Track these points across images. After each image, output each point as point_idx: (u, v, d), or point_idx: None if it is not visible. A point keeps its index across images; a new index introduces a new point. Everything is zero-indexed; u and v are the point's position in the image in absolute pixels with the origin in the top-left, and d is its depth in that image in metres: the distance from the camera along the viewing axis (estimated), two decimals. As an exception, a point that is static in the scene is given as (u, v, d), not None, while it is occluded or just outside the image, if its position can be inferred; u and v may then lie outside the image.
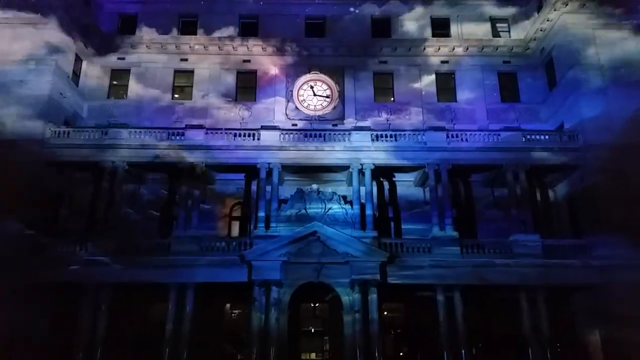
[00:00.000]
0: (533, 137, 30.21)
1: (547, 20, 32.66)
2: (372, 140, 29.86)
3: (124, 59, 35.37)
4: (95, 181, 30.56)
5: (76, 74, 33.26)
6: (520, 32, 35.99)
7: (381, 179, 31.87)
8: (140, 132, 30.22)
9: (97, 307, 26.32)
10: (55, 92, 30.29)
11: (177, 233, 28.19)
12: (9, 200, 26.49)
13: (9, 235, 25.95)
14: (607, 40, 31.14)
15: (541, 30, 33.46)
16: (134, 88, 34.83)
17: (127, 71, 35.40)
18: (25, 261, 26.21)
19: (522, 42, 35.16)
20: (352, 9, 36.80)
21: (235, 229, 31.81)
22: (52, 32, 30.90)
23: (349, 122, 33.67)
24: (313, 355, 30.27)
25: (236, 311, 30.66)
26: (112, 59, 35.31)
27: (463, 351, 25.85)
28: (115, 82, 35.42)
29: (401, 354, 29.66)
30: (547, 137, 30.32)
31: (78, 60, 33.40)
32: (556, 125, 32.41)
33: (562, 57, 32.33)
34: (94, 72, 34.87)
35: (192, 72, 35.56)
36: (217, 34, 35.82)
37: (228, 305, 30.65)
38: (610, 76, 30.25)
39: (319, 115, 34.40)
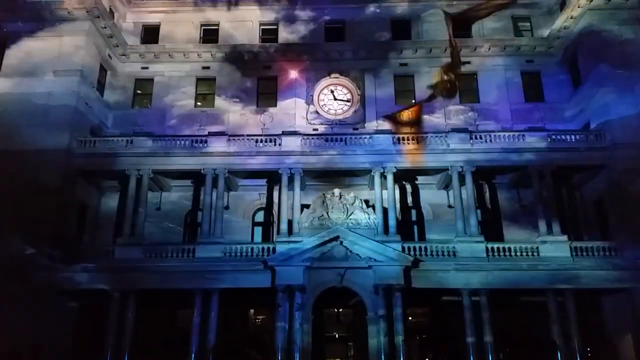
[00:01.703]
0: (558, 137, 29.59)
1: (571, 18, 32.01)
2: (394, 143, 29.64)
3: (147, 68, 35.92)
4: (121, 189, 31.16)
5: (101, 84, 33.86)
6: (543, 31, 35.37)
7: (404, 183, 31.66)
8: (165, 140, 30.61)
9: (123, 314, 26.70)
10: (81, 102, 30.86)
11: (201, 239, 28.47)
12: (37, 210, 27.23)
13: (37, 243, 26.56)
14: (634, 35, 30.45)
15: (565, 28, 32.81)
16: (158, 97, 35.33)
17: (150, 80, 35.94)
18: (53, 269, 26.81)
19: (546, 41, 34.51)
20: (371, 12, 36.70)
21: (258, 235, 31.97)
22: (77, 43, 31.52)
23: (370, 125, 33.52)
24: (338, 361, 30.24)
25: (260, 317, 30.80)
26: (136, 69, 35.92)
27: (490, 356, 25.48)
28: (139, 92, 36.01)
29: (427, 359, 29.34)
30: (573, 137, 29.63)
31: (103, 70, 34.01)
32: (582, 124, 31.77)
33: (587, 55, 31.67)
34: (119, 82, 35.48)
35: (214, 79, 35.89)
36: (237, 41, 36.13)
37: (252, 310, 30.85)
38: (638, 72, 29.53)
39: (339, 120, 34.37)
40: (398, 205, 30.06)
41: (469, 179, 28.91)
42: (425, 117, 33.85)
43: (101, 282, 26.87)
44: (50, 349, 25.02)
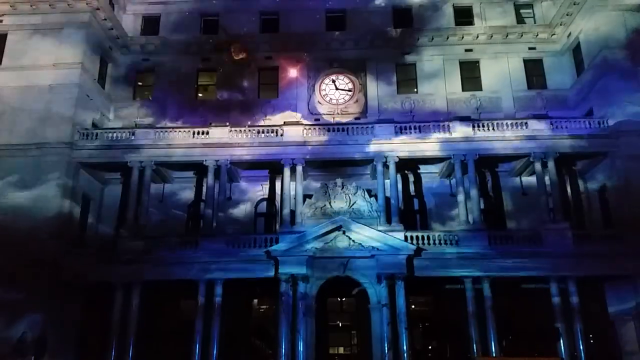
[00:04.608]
0: (561, 124, 29.39)
1: (574, 4, 31.74)
2: (396, 132, 29.56)
3: (148, 60, 35.82)
4: (123, 181, 31.26)
5: (102, 76, 33.83)
6: (545, 18, 35.11)
7: (406, 172, 31.60)
8: (166, 131, 30.60)
9: (128, 305, 26.86)
10: (82, 95, 30.82)
11: (205, 230, 28.55)
12: (40, 202, 27.37)
13: (40, 236, 26.71)
14: (637, 21, 30.17)
15: (567, 15, 32.55)
16: (159, 88, 35.29)
17: (151, 72, 35.90)
18: (59, 261, 26.98)
19: (548, 28, 34.27)
20: (373, 0, 36.42)
21: (261, 226, 32.04)
22: (77, 36, 31.44)
23: (372, 114, 33.44)
24: (341, 349, 30.37)
25: (264, 306, 30.98)
26: (136, 60, 35.84)
27: (493, 343, 25.56)
28: (140, 83, 36.05)
29: (430, 347, 29.51)
30: (575, 124, 29.44)
31: (103, 62, 33.99)
32: (585, 111, 31.56)
33: (590, 41, 31.40)
34: (120, 74, 35.38)
35: (215, 70, 35.84)
36: (238, 32, 35.90)
37: (256, 300, 31.01)
38: (641, 59, 29.38)
39: (341, 109, 34.26)
40: (400, 195, 30.03)
41: (471, 168, 28.82)
42: (427, 105, 33.91)
43: (105, 274, 27.05)
44: (55, 340, 25.21)
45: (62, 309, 26.69)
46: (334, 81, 35.06)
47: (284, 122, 30.90)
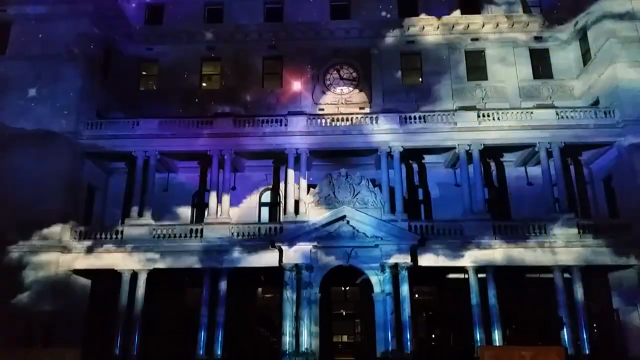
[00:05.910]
0: (567, 114, 29.20)
1: (581, -8, 31.49)
2: (400, 122, 29.45)
3: (152, 49, 35.69)
4: (128, 171, 31.36)
5: (106, 66, 33.77)
6: (552, 6, 34.70)
7: (410, 162, 31.53)
8: (170, 121, 30.54)
9: (133, 293, 27.06)
10: (87, 84, 30.81)
11: (209, 220, 28.59)
12: (45, 192, 27.49)
13: (47, 226, 26.86)
14: (645, 10, 29.93)
15: (574, 4, 32.22)
16: (163, 78, 35.26)
17: (155, 61, 35.85)
18: (63, 250, 27.19)
19: (555, 17, 33.87)
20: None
21: (265, 215, 32.13)
22: (82, 25, 31.29)
23: (377, 104, 33.32)
24: (345, 338, 30.59)
25: (268, 295, 31.12)
26: (140, 50, 35.70)
27: (496, 333, 25.65)
28: (144, 73, 36.02)
29: (433, 336, 29.62)
30: (581, 113, 29.22)
31: (107, 52, 33.89)
32: (591, 101, 31.37)
33: (597, 31, 31.08)
34: (124, 64, 35.26)
35: (219, 60, 35.74)
36: (242, 21, 35.79)
37: (260, 289, 31.19)
38: (649, 48, 29.10)
39: (345, 99, 34.15)
40: (405, 184, 29.96)
41: (476, 157, 28.71)
42: (433, 94, 33.77)
43: (110, 263, 27.27)
44: (62, 327, 25.43)
45: (70, 296, 26.93)
46: (338, 71, 34.92)
47: (288, 112, 30.88)
